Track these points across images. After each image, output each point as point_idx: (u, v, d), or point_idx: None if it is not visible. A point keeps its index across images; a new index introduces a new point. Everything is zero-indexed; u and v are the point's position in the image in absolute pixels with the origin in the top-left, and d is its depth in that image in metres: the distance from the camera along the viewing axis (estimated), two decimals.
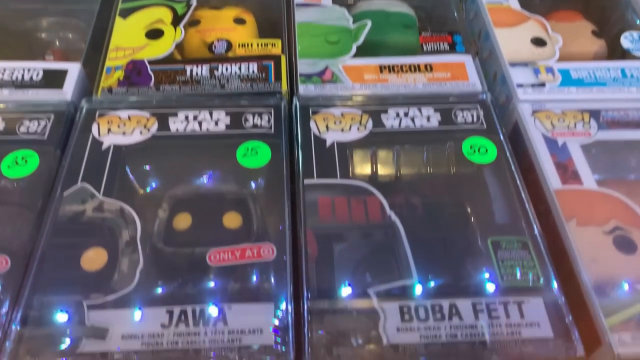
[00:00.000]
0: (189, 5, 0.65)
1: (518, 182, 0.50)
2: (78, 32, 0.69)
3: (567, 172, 0.52)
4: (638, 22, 0.68)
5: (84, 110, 0.54)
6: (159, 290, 0.43)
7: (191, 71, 0.58)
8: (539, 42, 0.64)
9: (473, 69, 0.60)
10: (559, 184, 0.51)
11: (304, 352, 0.39)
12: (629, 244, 0.47)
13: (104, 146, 0.51)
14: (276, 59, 0.60)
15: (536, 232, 0.47)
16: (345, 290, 0.43)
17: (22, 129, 0.53)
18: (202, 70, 0.58)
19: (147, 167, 0.52)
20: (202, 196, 0.51)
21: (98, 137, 0.52)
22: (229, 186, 0.51)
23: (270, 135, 0.53)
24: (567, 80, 0.60)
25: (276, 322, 0.41)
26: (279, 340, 0.40)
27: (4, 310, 0.41)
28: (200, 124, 0.53)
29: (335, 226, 0.47)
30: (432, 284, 0.43)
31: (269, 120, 0.54)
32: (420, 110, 0.55)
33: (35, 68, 0.59)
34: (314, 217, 0.47)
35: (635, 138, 0.55)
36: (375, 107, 0.55)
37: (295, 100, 0.55)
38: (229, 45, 0.62)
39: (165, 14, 0.64)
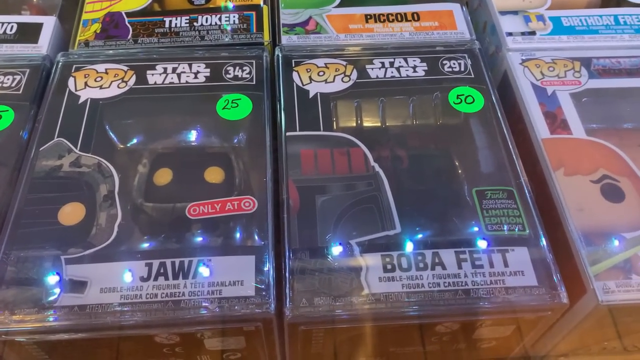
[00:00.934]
0: None
1: (505, 131, 0.49)
2: None
3: (556, 121, 0.51)
4: None
5: (60, 64, 0.53)
6: (138, 244, 0.42)
7: (170, 23, 0.56)
8: None
9: (462, 17, 0.58)
10: (547, 133, 0.50)
11: (285, 302, 0.39)
12: (616, 192, 0.46)
13: (81, 100, 0.50)
14: (258, 9, 0.58)
15: (522, 181, 0.46)
16: (327, 242, 0.42)
17: None
18: (182, 22, 0.56)
19: (125, 122, 0.50)
20: (183, 150, 0.50)
21: (75, 91, 0.51)
22: (210, 140, 0.50)
23: (251, 87, 0.51)
24: (559, 28, 0.58)
25: (257, 274, 0.40)
26: (260, 291, 0.39)
27: None
28: (179, 76, 0.52)
29: (318, 178, 0.46)
30: (415, 234, 0.43)
31: (250, 72, 0.52)
32: (406, 60, 0.53)
33: (9, 22, 0.57)
34: (296, 170, 0.46)
35: (627, 86, 0.54)
36: (360, 58, 0.54)
37: (277, 52, 0.54)
38: None
39: None
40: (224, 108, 0.50)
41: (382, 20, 0.57)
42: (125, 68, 0.52)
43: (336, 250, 0.42)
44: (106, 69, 0.52)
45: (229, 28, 0.54)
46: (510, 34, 0.57)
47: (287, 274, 0.40)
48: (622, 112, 0.53)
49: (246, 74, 0.52)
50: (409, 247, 0.42)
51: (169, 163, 0.48)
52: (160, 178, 0.48)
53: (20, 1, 0.66)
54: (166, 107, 0.51)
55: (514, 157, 0.47)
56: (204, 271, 0.40)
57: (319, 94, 0.51)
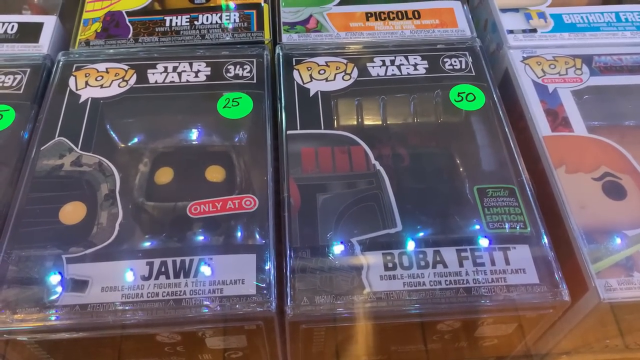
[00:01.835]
0: None
1: (506, 128, 0.49)
2: None
3: (557, 118, 0.51)
4: None
5: (61, 64, 0.53)
6: (139, 243, 0.42)
7: (170, 22, 0.56)
8: None
9: (462, 15, 0.58)
10: (549, 130, 0.50)
11: (286, 301, 0.39)
12: (618, 190, 0.46)
13: (81, 99, 0.50)
14: (258, 7, 0.58)
15: (524, 178, 0.46)
16: (328, 240, 0.42)
17: None
18: (182, 21, 0.56)
19: (126, 121, 0.50)
20: (184, 149, 0.50)
21: (75, 91, 0.51)
22: (211, 139, 0.50)
23: (252, 86, 0.51)
24: (560, 25, 0.58)
25: (258, 273, 0.40)
26: (261, 290, 0.39)
27: None
28: (180, 75, 0.52)
29: (319, 176, 0.46)
30: (416, 233, 0.43)
31: (250, 71, 0.52)
32: (407, 58, 0.53)
33: (9, 21, 0.57)
34: (297, 168, 0.46)
35: (628, 83, 0.54)
36: (361, 56, 0.54)
37: (278, 50, 0.54)
38: None
39: None
40: (224, 107, 0.50)
41: (382, 18, 0.57)
42: (126, 67, 0.52)
43: (337, 248, 0.42)
44: (107, 68, 0.52)
45: (230, 26, 0.54)
46: (511, 31, 0.57)
47: (288, 273, 0.40)
48: (624, 109, 0.53)
49: (247, 72, 0.52)
50: (410, 245, 0.42)
51: (170, 162, 0.48)
52: (161, 177, 0.48)
53: (21, 0, 0.67)
54: (167, 106, 0.51)
55: (515, 155, 0.47)
56: (205, 270, 0.40)
57: (319, 92, 0.51)
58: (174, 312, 0.38)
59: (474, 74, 0.52)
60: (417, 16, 0.57)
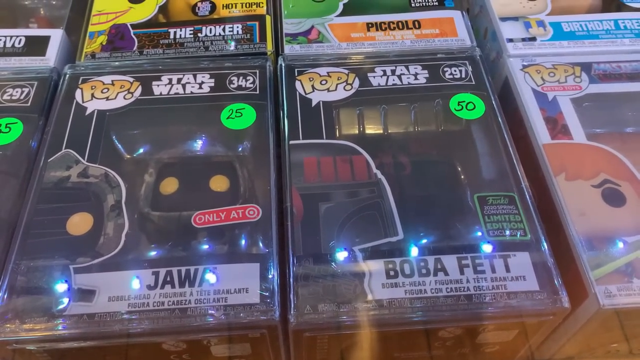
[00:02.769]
0: None
1: (506, 136, 0.49)
2: None
3: (557, 126, 0.51)
4: None
5: (67, 76, 0.54)
6: (145, 253, 0.43)
7: (175, 34, 0.57)
8: None
9: (462, 25, 0.59)
10: (548, 138, 0.50)
11: (289, 309, 0.40)
12: (617, 197, 0.47)
13: (88, 112, 0.51)
14: (261, 19, 0.58)
15: (523, 186, 0.46)
16: (331, 249, 0.43)
17: (6, 96, 0.52)
18: (186, 33, 0.57)
19: (132, 132, 0.51)
20: (189, 160, 0.50)
21: (82, 103, 0.52)
22: (215, 149, 0.51)
23: (255, 97, 0.52)
24: (559, 33, 0.58)
25: (262, 281, 0.41)
26: (265, 299, 0.40)
27: None
28: (184, 86, 0.53)
29: (321, 185, 0.46)
30: (417, 241, 0.43)
31: (253, 82, 0.53)
32: (407, 68, 0.54)
33: (17, 35, 0.58)
34: (300, 177, 0.47)
35: (628, 90, 0.54)
36: (362, 66, 0.54)
37: (280, 61, 0.54)
38: (213, 7, 0.60)
39: None
40: (228, 117, 0.50)
41: (383, 28, 0.58)
42: (131, 79, 0.53)
43: (340, 257, 0.42)
44: (112, 81, 0.53)
45: (232, 44, 0.55)
46: (510, 40, 0.58)
47: (291, 281, 0.41)
48: (624, 116, 0.53)
49: (250, 83, 0.53)
50: (412, 253, 0.42)
51: (174, 172, 0.49)
52: (166, 187, 0.49)
53: (28, 14, 0.68)
54: (172, 117, 0.52)
55: (515, 162, 0.48)
56: (209, 279, 0.41)
57: (321, 102, 0.51)
58: (179, 321, 0.39)
59: (473, 82, 0.53)
60: (417, 26, 0.58)
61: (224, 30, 0.57)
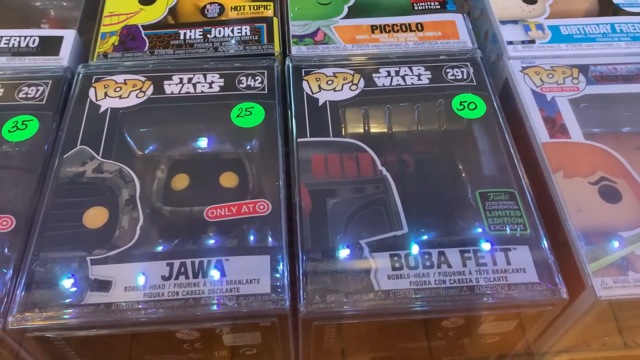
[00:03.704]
0: None
1: (506, 135, 0.51)
2: (72, 0, 0.69)
3: (555, 125, 0.53)
4: None
5: (81, 75, 0.55)
6: (159, 245, 0.44)
7: (185, 35, 0.59)
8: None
9: (464, 27, 0.60)
10: (547, 137, 0.52)
11: (299, 299, 0.41)
12: (613, 193, 0.49)
13: (101, 109, 0.53)
14: (269, 21, 0.60)
15: (523, 183, 0.48)
16: (338, 242, 0.44)
17: (21, 94, 0.54)
18: (196, 34, 0.59)
19: (144, 130, 0.53)
20: (199, 157, 0.52)
21: (95, 101, 0.53)
22: (224, 146, 0.53)
23: (264, 96, 0.54)
24: (557, 36, 0.60)
25: (272, 272, 0.42)
26: (275, 289, 0.42)
27: (12, 264, 0.43)
28: (195, 86, 0.54)
29: (328, 182, 0.48)
30: (421, 235, 0.45)
31: (262, 82, 0.55)
32: (411, 69, 0.56)
33: (31, 35, 0.59)
34: (308, 174, 0.48)
35: (623, 92, 0.56)
36: (367, 67, 0.56)
37: (287, 62, 0.56)
38: (222, 9, 0.62)
39: None
40: (237, 116, 0.52)
41: (387, 30, 0.60)
42: (143, 78, 0.55)
43: (346, 250, 0.44)
44: (125, 80, 0.55)
45: (240, 45, 0.57)
46: (510, 42, 0.59)
47: (300, 273, 0.42)
48: (619, 116, 0.55)
49: (258, 83, 0.55)
50: (416, 246, 0.44)
51: (185, 169, 0.51)
52: (177, 183, 0.50)
53: (39, 15, 0.69)
54: (183, 115, 0.53)
55: (515, 160, 0.49)
56: (222, 270, 0.42)
57: (327, 102, 0.53)
58: (193, 309, 0.40)
59: (475, 83, 0.55)
60: (420, 28, 0.60)
61: (232, 31, 0.59)
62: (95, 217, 0.46)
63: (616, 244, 0.45)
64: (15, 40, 0.59)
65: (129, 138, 0.52)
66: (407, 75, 0.55)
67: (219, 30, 0.59)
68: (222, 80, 0.55)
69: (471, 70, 0.56)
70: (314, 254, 0.44)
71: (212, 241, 0.45)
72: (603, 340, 0.52)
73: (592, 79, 0.57)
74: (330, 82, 0.55)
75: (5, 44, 0.59)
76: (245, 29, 0.59)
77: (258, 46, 0.58)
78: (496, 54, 0.61)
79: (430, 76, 0.55)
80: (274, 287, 0.42)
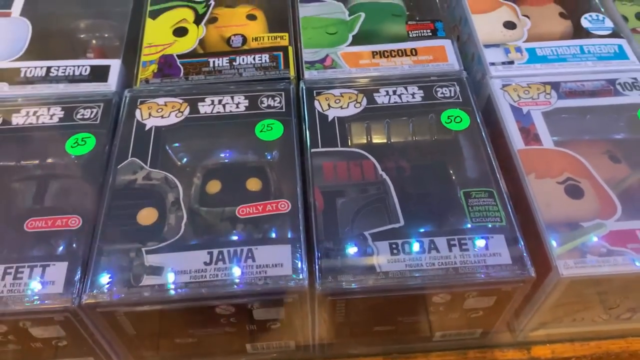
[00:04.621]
0: (208, 6, 0.76)
1: (487, 144, 0.60)
2: (112, 31, 0.79)
3: (530, 135, 0.62)
4: (597, 2, 0.78)
5: (128, 99, 0.66)
6: (201, 238, 0.54)
7: (214, 62, 0.69)
8: (509, 25, 0.74)
9: (452, 52, 0.70)
10: (522, 144, 0.61)
11: (316, 279, 0.51)
12: (577, 191, 0.58)
13: (147, 127, 0.63)
14: (284, 49, 0.70)
15: (500, 183, 0.57)
16: (346, 233, 0.54)
17: (79, 115, 0.64)
18: (223, 62, 0.69)
19: (183, 144, 0.63)
20: (229, 165, 0.62)
21: (141, 120, 0.63)
22: (250, 157, 0.63)
23: (282, 114, 0.64)
24: (533, 57, 0.70)
25: (293, 258, 0.52)
26: (296, 271, 0.51)
27: (81, 255, 0.53)
28: (224, 106, 0.65)
29: (337, 184, 0.58)
30: (415, 227, 0.54)
31: (280, 102, 0.65)
32: (406, 89, 0.66)
33: (83, 65, 0.70)
34: (320, 178, 0.58)
35: (588, 105, 0.65)
36: (368, 87, 0.66)
37: (301, 84, 0.66)
38: (244, 40, 0.72)
39: (188, 14, 0.75)
40: (261, 131, 0.62)
41: (386, 55, 0.70)
42: (181, 101, 0.65)
43: (354, 239, 0.53)
44: (165, 102, 0.65)
45: (260, 71, 0.67)
46: (492, 63, 0.69)
47: (316, 258, 0.52)
48: (584, 126, 0.64)
49: (277, 103, 0.65)
50: (411, 236, 0.54)
51: (218, 176, 0.61)
52: (211, 188, 0.60)
53: (85, 46, 0.80)
54: (215, 131, 0.63)
55: (494, 165, 0.59)
56: (252, 257, 0.52)
57: (336, 117, 0.63)
58: (231, 288, 0.50)
59: (461, 100, 0.64)
60: (414, 53, 0.70)
61: (254, 59, 0.69)
62: (147, 216, 0.56)
63: (577, 232, 0.55)
64: (70, 69, 0.69)
65: (170, 151, 0.62)
66: (403, 94, 0.65)
67: (243, 59, 0.69)
68: (247, 101, 0.65)
69: (457, 89, 0.65)
70: (327, 243, 0.53)
71: (244, 234, 0.54)
72: (574, 316, 0.61)
73: (563, 94, 0.66)
74: (337, 101, 0.64)
75: (62, 72, 0.69)
76: (265, 56, 0.69)
77: (276, 71, 0.68)
78: (481, 73, 0.71)
79: (422, 94, 0.65)
80: (294, 269, 0.51)
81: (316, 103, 0.64)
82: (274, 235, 0.54)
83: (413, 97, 0.65)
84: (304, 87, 0.66)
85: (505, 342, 0.63)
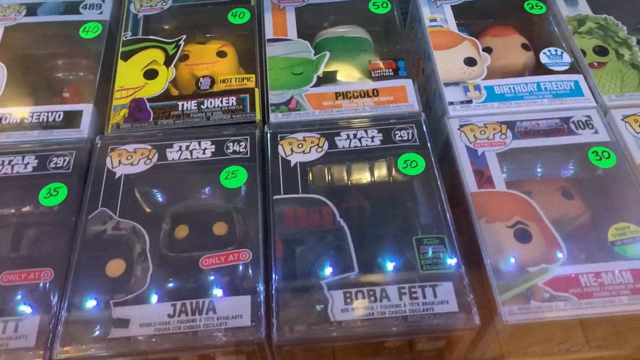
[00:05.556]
0: (177, 46, 0.78)
1: (441, 189, 0.63)
2: (88, 69, 0.82)
3: (483, 177, 0.65)
4: (558, 34, 0.80)
5: (99, 146, 0.68)
6: (166, 289, 0.57)
7: (182, 106, 0.72)
8: (470, 62, 0.76)
9: (412, 92, 0.72)
10: (475, 187, 0.64)
11: (272, 330, 0.54)
12: (525, 235, 0.61)
13: (117, 175, 0.66)
14: (251, 92, 0.73)
15: (451, 229, 0.60)
16: (304, 282, 0.57)
17: (52, 164, 0.67)
18: (191, 105, 0.72)
19: (152, 191, 0.66)
20: (196, 211, 0.65)
21: (111, 168, 0.66)
22: (216, 202, 0.65)
23: (247, 159, 0.66)
24: (491, 95, 0.72)
25: (252, 309, 0.55)
26: (254, 322, 0.54)
27: (54, 309, 0.56)
28: (191, 152, 0.67)
29: (297, 232, 0.61)
30: (368, 274, 0.57)
31: (245, 146, 0.67)
32: (366, 132, 0.68)
33: (57, 110, 0.72)
34: (281, 225, 0.61)
35: (542, 145, 0.68)
36: (330, 131, 0.68)
37: (266, 129, 0.69)
38: (212, 81, 0.75)
39: (159, 55, 0.77)
40: (225, 178, 0.65)
41: (348, 97, 0.72)
42: (150, 147, 0.68)
43: (310, 289, 0.56)
44: (135, 149, 0.68)
45: (226, 115, 0.70)
46: (451, 103, 0.71)
47: (274, 308, 0.55)
48: (536, 166, 0.67)
49: (242, 148, 0.67)
50: (364, 285, 0.57)
51: (185, 221, 0.64)
52: (179, 233, 0.63)
53: (61, 84, 0.82)
54: (182, 178, 0.66)
55: (446, 210, 0.61)
56: (214, 308, 0.55)
57: (298, 163, 0.66)
58: (192, 340, 0.53)
59: (418, 143, 0.67)
60: (375, 94, 0.72)
61: (221, 102, 0.72)
62: (115, 267, 0.59)
63: (523, 277, 0.58)
64: (44, 115, 0.72)
65: (139, 199, 0.65)
66: (363, 137, 0.68)
67: (211, 102, 0.72)
68: (214, 146, 0.68)
69: (415, 131, 0.68)
70: (285, 293, 0.56)
71: (206, 284, 0.57)
72: (525, 350, 0.64)
73: (518, 134, 0.69)
74: (300, 146, 0.67)
75: (36, 119, 0.72)
76: (232, 99, 0.72)
77: (242, 115, 0.70)
78: (441, 110, 0.73)
79: (381, 138, 0.68)
80: (253, 320, 0.54)
81: (280, 148, 0.67)
82: (234, 286, 0.57)
83: (372, 141, 0.67)
84: (268, 132, 0.68)
85: None
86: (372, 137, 0.68)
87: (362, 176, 0.66)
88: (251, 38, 0.80)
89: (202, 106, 0.72)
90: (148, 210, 0.65)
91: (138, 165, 0.66)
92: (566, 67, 0.75)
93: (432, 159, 0.66)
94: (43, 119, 0.72)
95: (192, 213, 0.65)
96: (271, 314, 0.55)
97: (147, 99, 0.73)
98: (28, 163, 0.67)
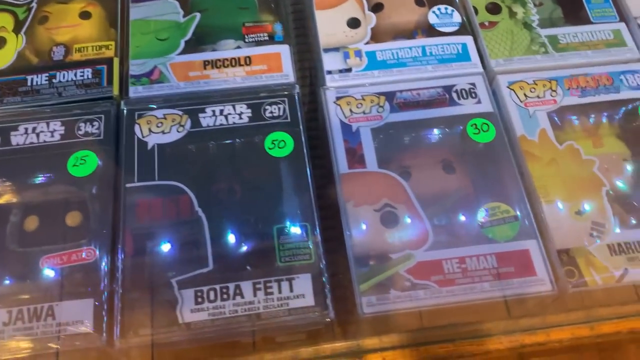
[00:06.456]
0: (29, 9, 0.70)
1: (308, 172, 0.59)
2: None
3: (355, 156, 0.61)
4: None
5: None
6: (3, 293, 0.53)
7: (32, 80, 0.65)
8: (354, 23, 0.70)
9: (288, 60, 0.66)
10: (346, 168, 0.60)
11: (114, 334, 0.51)
12: (392, 219, 0.58)
13: None
14: (109, 62, 0.66)
15: (315, 217, 0.57)
16: (154, 281, 0.54)
17: None
18: (42, 80, 0.64)
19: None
20: (47, 200, 0.60)
21: None
22: (69, 190, 0.60)
23: (99, 142, 0.61)
24: (372, 63, 0.67)
25: (95, 313, 0.52)
26: (98, 327, 0.51)
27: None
28: (38, 135, 0.61)
29: (150, 225, 0.56)
30: (223, 270, 0.54)
31: (99, 127, 0.61)
32: (234, 107, 0.63)
33: None
34: (133, 218, 0.56)
35: (420, 118, 0.64)
36: (194, 107, 0.63)
37: (122, 106, 0.63)
38: (67, 51, 0.67)
39: (7, 20, 0.69)
40: (74, 165, 0.59)
41: (218, 66, 0.66)
42: None
43: (160, 288, 0.53)
44: None
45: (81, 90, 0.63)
46: (329, 72, 0.66)
47: (118, 310, 0.52)
48: (410, 142, 0.63)
49: (95, 129, 0.61)
50: (217, 281, 0.54)
51: (35, 211, 0.59)
52: (29, 224, 0.58)
53: None
54: (28, 165, 0.60)
55: (312, 195, 0.58)
56: (53, 314, 0.52)
57: (156, 145, 0.60)
58: (25, 352, 0.50)
59: (289, 120, 0.62)
60: (248, 62, 0.66)
61: (75, 75, 0.65)
62: None
63: (386, 265, 0.56)
64: None
65: None
66: (230, 114, 0.62)
67: (64, 75, 0.65)
68: (63, 128, 0.61)
69: (287, 107, 0.63)
70: (131, 293, 0.53)
71: (46, 287, 0.53)
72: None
73: (396, 106, 0.64)
74: (160, 125, 0.61)
75: None
76: (88, 71, 0.65)
77: (98, 89, 0.64)
78: (321, 80, 0.68)
79: (250, 114, 0.62)
80: (96, 326, 0.51)
81: (136, 127, 0.61)
82: (77, 288, 0.53)
83: (240, 118, 0.62)
84: (125, 110, 0.62)
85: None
86: (240, 114, 0.63)
87: (225, 160, 0.61)
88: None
89: (53, 80, 0.65)
90: None
91: None
92: (455, 28, 0.70)
93: (303, 139, 0.61)
94: None
95: (42, 203, 0.59)
96: (114, 315, 0.52)
97: None
98: None
